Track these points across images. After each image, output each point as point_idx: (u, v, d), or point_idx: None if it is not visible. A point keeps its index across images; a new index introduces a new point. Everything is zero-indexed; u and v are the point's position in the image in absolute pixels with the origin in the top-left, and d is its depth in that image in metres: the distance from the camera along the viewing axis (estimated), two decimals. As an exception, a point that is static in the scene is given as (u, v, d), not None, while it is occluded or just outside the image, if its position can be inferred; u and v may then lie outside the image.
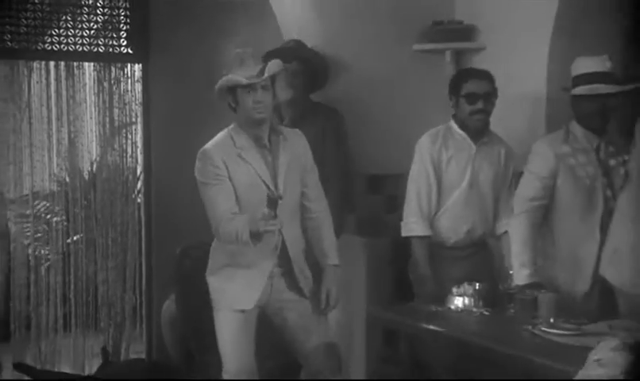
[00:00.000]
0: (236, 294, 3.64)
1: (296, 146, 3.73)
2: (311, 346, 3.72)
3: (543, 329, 3.12)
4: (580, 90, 3.60)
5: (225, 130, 3.66)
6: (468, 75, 4.00)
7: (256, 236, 3.42)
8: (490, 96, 3.91)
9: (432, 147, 3.98)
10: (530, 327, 3.18)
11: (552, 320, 3.17)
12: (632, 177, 3.46)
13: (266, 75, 3.51)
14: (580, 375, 2.35)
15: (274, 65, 3.56)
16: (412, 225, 3.99)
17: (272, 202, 3.37)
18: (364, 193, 4.60)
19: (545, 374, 2.80)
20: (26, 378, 4.72)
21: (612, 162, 3.67)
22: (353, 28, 4.58)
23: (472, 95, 3.89)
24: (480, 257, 4.04)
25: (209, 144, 3.63)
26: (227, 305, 3.66)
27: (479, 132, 3.94)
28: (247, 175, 3.57)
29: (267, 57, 4.03)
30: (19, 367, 4.54)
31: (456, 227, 3.97)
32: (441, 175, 3.98)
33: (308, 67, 4.43)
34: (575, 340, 2.95)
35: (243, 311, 3.64)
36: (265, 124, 3.62)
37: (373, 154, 4.53)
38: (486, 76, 3.94)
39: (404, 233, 4.03)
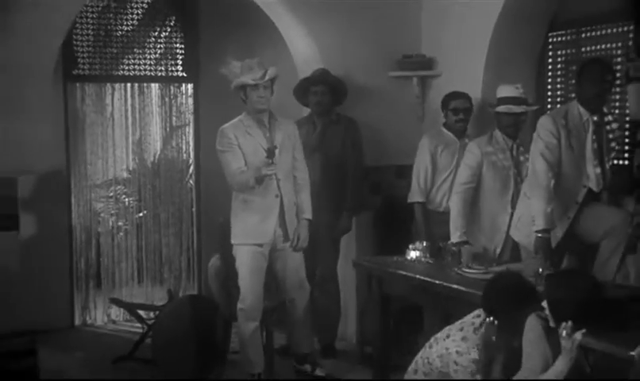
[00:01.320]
0: (251, 231, 4.09)
1: (288, 129, 4.19)
2: (290, 283, 4.23)
3: (463, 269, 3.72)
4: (500, 108, 4.13)
5: (238, 117, 4.14)
6: (453, 96, 4.48)
7: (259, 180, 3.94)
8: (468, 110, 4.46)
9: (430, 143, 4.50)
10: (456, 269, 3.76)
11: (469, 264, 3.77)
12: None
13: (267, 78, 3.98)
14: (440, 346, 2.91)
15: (272, 70, 4.00)
16: (414, 195, 4.52)
17: (270, 152, 3.96)
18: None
19: (462, 298, 3.38)
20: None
21: (522, 158, 4.14)
22: (344, 58, 4.91)
23: (456, 109, 4.45)
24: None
25: (225, 125, 4.10)
26: (244, 239, 4.09)
27: (460, 133, 4.51)
28: (251, 145, 4.05)
29: (303, 83, 4.68)
30: (113, 300, 5.27)
31: (448, 195, 4.40)
32: (436, 161, 4.48)
33: (332, 89, 4.71)
34: (482, 276, 3.50)
35: (258, 245, 4.08)
36: (265, 112, 4.09)
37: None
38: (465, 96, 4.45)
39: (410, 200, 4.54)
